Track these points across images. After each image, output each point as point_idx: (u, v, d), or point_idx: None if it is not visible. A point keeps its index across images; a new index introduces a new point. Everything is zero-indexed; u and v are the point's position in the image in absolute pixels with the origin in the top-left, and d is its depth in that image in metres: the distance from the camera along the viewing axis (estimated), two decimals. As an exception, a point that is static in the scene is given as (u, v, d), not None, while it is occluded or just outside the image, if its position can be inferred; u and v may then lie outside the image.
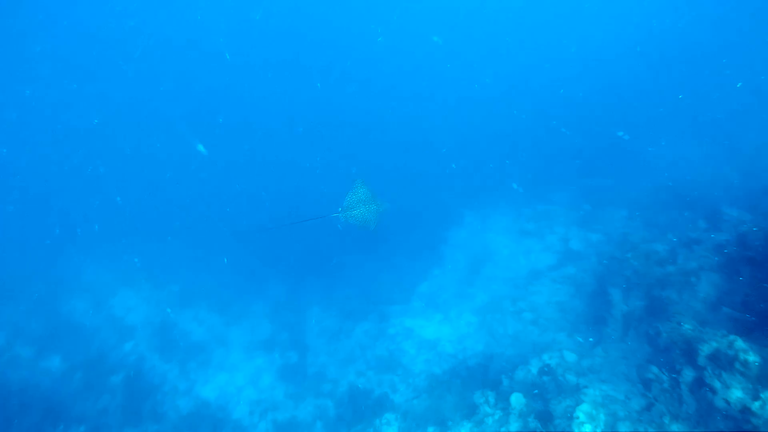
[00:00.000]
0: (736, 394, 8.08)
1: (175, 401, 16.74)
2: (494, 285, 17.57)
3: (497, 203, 21.10)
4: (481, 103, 32.80)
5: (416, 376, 15.46)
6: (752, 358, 8.27)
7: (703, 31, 29.17)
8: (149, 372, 17.53)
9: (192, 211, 26.22)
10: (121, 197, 26.97)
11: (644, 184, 18.41)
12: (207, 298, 20.27)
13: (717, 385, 8.42)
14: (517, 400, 11.11)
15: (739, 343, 8.52)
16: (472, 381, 13.59)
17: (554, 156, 23.97)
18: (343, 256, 22.38)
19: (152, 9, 38.71)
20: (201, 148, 30.76)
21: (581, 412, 9.40)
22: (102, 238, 23.58)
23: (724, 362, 8.55)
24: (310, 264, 22.34)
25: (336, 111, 34.27)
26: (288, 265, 22.22)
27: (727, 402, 8.12)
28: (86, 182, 29.50)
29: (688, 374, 9.16)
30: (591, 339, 12.74)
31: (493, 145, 27.07)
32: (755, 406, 7.67)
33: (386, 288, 20.24)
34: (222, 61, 37.75)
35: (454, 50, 38.62)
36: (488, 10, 40.23)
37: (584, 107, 27.49)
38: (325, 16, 40.77)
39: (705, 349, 8.95)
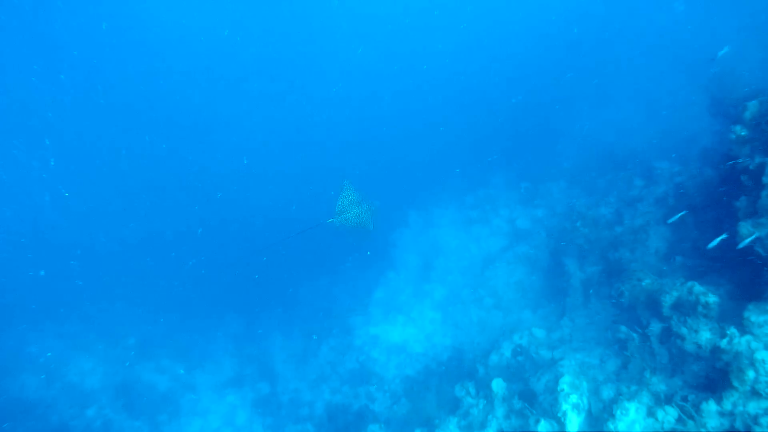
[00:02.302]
0: (705, 335, 8.35)
1: (151, 459, 16.04)
2: (450, 277, 17.62)
3: (438, 196, 21.11)
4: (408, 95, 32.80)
5: (391, 381, 15.36)
6: (711, 299, 8.58)
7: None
8: (119, 434, 16.67)
9: (135, 257, 25.12)
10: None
11: (576, 152, 18.93)
12: (166, 346, 19.38)
13: (684, 331, 8.68)
14: (497, 385, 11.15)
15: (697, 287, 8.82)
16: (448, 376, 13.57)
17: (486, 138, 24.25)
18: (295, 276, 22.06)
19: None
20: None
21: (564, 384, 9.51)
22: (41, 301, 22.12)
23: (687, 308, 8.84)
24: (262, 291, 21.89)
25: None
26: (240, 296, 21.69)
27: (698, 345, 8.38)
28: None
29: (655, 327, 9.42)
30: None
31: (427, 138, 27.18)
32: (723, 343, 7.93)
33: (344, 300, 20.09)
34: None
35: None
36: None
37: (511, 84, 27.91)
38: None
39: (667, 300, 9.22)
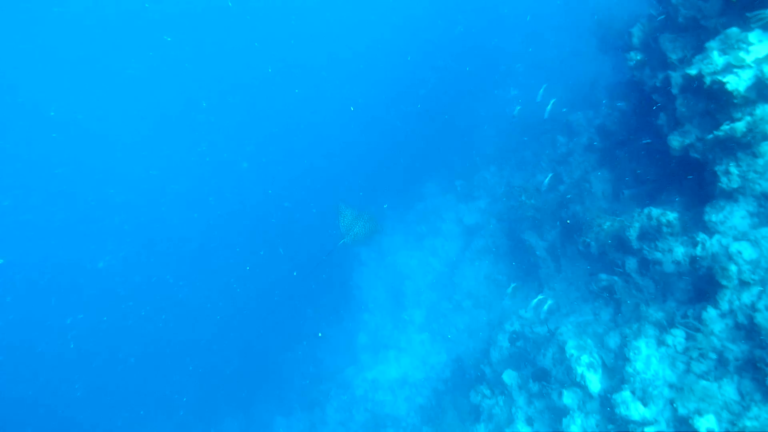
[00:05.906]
0: (679, 251, 8.51)
1: None
2: (423, 297, 17.54)
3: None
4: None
5: (406, 417, 15.04)
6: (671, 216, 8.78)
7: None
8: None
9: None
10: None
11: (494, 136, 19.32)
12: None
13: (659, 255, 8.83)
14: (509, 376, 11.05)
15: (654, 210, 9.02)
16: (458, 388, 13.38)
17: (406, 150, 24.41)
18: (274, 353, 21.43)
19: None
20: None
21: (571, 349, 9.47)
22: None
23: (653, 234, 9.01)
24: (248, 381, 21.14)
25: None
26: (230, 394, 20.83)
27: (677, 262, 8.52)
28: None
29: (631, 263, 9.54)
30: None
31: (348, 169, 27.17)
32: (698, 250, 8.10)
33: (328, 359, 19.62)
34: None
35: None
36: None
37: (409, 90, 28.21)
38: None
39: (632, 233, 9.37)
